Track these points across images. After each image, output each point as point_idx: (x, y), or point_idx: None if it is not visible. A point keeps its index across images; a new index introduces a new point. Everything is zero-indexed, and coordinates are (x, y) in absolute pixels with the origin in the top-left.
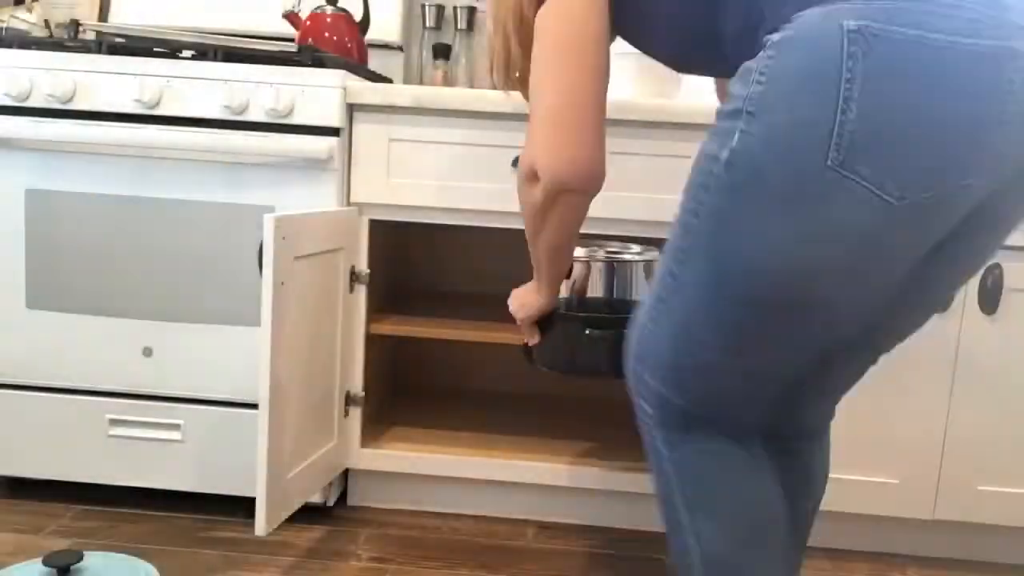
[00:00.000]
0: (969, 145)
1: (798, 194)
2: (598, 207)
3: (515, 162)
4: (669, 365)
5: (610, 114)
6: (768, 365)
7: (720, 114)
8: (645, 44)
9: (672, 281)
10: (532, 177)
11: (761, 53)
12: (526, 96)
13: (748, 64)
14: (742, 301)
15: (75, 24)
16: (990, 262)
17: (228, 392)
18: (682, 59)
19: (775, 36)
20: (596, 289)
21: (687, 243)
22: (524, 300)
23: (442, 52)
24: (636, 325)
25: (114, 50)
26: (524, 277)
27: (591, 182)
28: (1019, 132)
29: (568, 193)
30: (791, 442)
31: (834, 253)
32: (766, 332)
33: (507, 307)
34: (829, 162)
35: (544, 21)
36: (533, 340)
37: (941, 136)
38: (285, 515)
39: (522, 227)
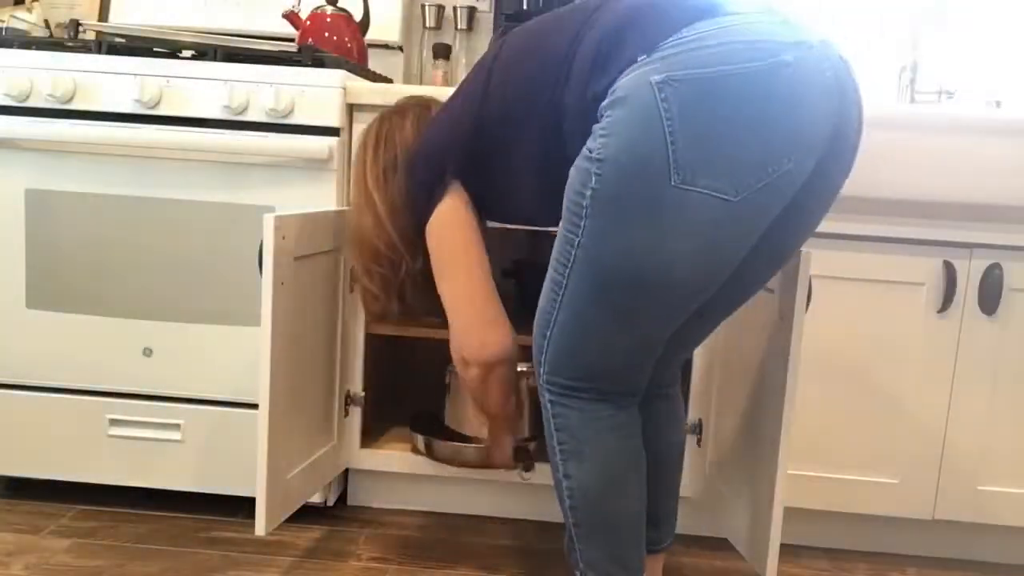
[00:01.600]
0: (774, 137)
1: (656, 209)
2: None
3: None
4: (568, 352)
5: None
6: (644, 338)
7: (580, 157)
8: (510, 207)
9: (559, 287)
10: (463, 363)
11: (602, 118)
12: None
13: (595, 127)
14: (619, 288)
15: (75, 24)
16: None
17: (228, 392)
18: (544, 198)
19: (605, 101)
20: None
21: (567, 256)
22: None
23: (442, 52)
24: (536, 328)
25: (114, 50)
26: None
27: (506, 352)
28: (808, 113)
29: (494, 365)
30: (664, 388)
31: (691, 246)
32: (640, 310)
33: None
34: (673, 183)
35: (431, 239)
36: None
37: (750, 138)
38: (285, 515)
39: (526, 227)
